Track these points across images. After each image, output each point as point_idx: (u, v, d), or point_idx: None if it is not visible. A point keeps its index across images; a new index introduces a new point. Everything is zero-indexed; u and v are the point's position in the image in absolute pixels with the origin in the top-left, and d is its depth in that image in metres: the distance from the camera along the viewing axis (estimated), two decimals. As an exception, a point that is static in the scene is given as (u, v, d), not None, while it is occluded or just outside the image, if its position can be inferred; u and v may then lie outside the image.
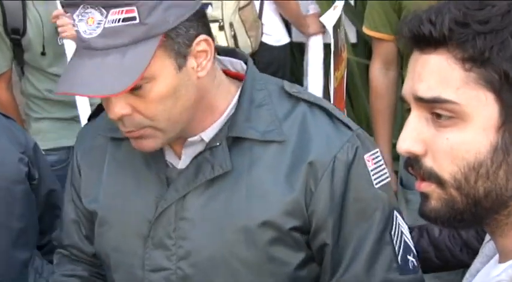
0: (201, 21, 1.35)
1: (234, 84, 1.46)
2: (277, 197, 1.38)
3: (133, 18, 1.26)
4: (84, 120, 2.78)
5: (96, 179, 1.55)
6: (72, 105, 2.84)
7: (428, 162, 0.95)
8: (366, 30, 3.01)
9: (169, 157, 1.48)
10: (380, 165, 1.42)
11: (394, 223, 1.43)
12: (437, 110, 0.93)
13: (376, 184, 1.40)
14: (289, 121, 1.41)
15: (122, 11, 1.25)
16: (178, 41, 1.31)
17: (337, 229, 1.40)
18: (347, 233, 1.41)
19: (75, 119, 2.89)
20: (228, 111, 1.43)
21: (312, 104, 1.43)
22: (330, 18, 3.48)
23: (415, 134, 0.95)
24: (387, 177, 1.44)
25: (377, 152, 1.43)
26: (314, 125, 1.41)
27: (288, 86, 1.46)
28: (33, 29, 2.84)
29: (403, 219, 1.47)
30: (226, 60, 1.51)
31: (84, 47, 1.29)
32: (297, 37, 4.00)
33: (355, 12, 4.00)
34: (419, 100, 0.94)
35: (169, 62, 1.31)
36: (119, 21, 1.26)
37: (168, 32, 1.30)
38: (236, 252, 1.42)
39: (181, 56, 1.32)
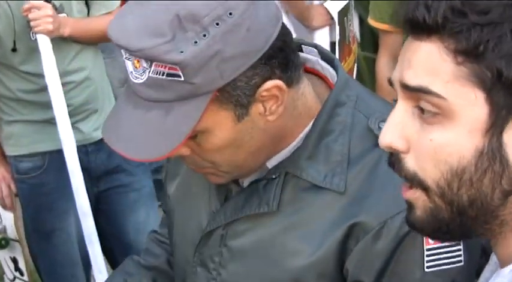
0: (271, 63, 1.22)
1: (320, 101, 1.33)
2: (312, 255, 1.29)
3: (178, 76, 1.16)
4: (60, 123, 2.69)
5: (177, 170, 1.52)
6: (48, 106, 2.71)
7: (410, 163, 0.92)
8: (371, 21, 2.91)
9: None
10: (445, 246, 1.25)
11: None
12: (422, 102, 0.89)
13: (428, 268, 1.25)
14: (359, 166, 1.28)
15: (165, 66, 1.15)
16: (236, 94, 1.21)
17: None
18: None
19: (51, 121, 2.75)
20: (300, 138, 1.32)
21: None
22: (335, 4, 3.28)
23: (399, 128, 0.92)
24: (450, 263, 1.26)
25: None
26: (382, 178, 1.27)
27: (374, 120, 1.31)
28: (2, 23, 2.69)
29: None
30: (317, 62, 1.38)
31: (132, 90, 1.22)
32: (297, 34, 3.80)
33: (362, 3, 3.87)
34: (406, 88, 0.90)
35: (226, 114, 1.22)
36: (162, 75, 1.16)
37: (223, 87, 1.19)
38: None
39: (241, 107, 1.23)
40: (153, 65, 1.16)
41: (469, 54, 0.86)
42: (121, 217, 2.95)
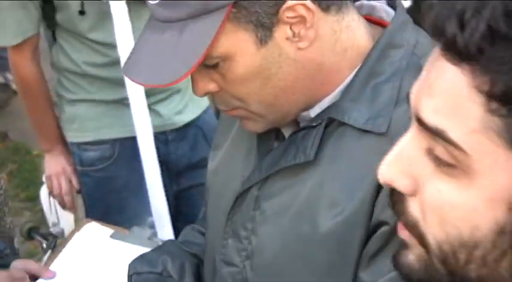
0: None
1: (373, 42, 1.37)
2: (348, 207, 1.31)
3: None
4: (134, 103, 2.60)
5: (221, 141, 1.59)
6: (120, 83, 2.60)
7: (414, 209, 0.85)
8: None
9: (285, 126, 1.44)
10: None
11: None
12: (438, 148, 0.81)
13: None
14: (406, 105, 1.19)
15: None
16: (255, 11, 1.25)
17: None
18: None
19: (123, 101, 2.65)
20: (347, 81, 1.35)
21: None
22: None
23: (407, 165, 0.85)
24: None
25: None
26: None
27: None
28: (68, -20, 2.59)
29: None
30: (381, 9, 1.42)
31: (152, 15, 1.31)
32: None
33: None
34: (421, 124, 0.83)
35: (246, 35, 1.27)
36: None
37: (239, 1, 1.24)
38: (295, 266, 1.37)
39: (264, 27, 1.26)
40: None
41: (507, 102, 0.75)
42: (206, 222, 2.79)
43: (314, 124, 1.35)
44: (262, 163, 1.43)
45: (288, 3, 1.25)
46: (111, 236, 2.01)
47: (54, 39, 2.73)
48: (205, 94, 1.35)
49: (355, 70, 1.34)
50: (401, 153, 0.85)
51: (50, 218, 2.92)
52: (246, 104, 1.34)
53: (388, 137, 1.29)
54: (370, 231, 1.31)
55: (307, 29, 1.27)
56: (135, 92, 2.57)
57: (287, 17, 1.26)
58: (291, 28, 1.27)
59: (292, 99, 1.34)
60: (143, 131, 2.59)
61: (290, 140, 1.39)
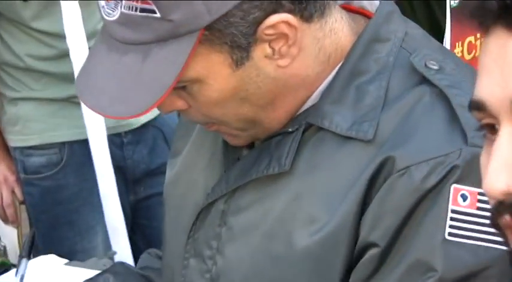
0: None
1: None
2: (328, 223, 1.28)
3: (152, 11, 1.19)
4: None
5: (180, 147, 1.55)
6: (69, 79, 2.46)
7: None
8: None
9: None
10: (475, 215, 1.24)
11: None
12: None
13: (451, 235, 1.22)
14: (395, 108, 1.28)
15: None
16: (230, 32, 1.22)
17: (377, 264, 1.26)
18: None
19: (73, 99, 2.56)
20: (327, 81, 1.32)
21: (440, 92, 1.28)
22: None
23: None
24: (487, 240, 1.23)
25: (483, 194, 1.18)
26: (416, 120, 1.27)
27: (420, 56, 1.31)
28: (8, -37, 2.50)
29: None
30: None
31: (106, 31, 1.27)
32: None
33: None
34: None
35: (220, 58, 1.24)
36: (136, 10, 1.19)
37: (212, 24, 1.21)
38: None
39: (240, 49, 1.23)
40: None
41: None
42: (166, 236, 2.73)
43: (290, 129, 1.31)
44: (229, 173, 1.39)
45: (268, 22, 1.21)
46: (66, 264, 2.01)
47: (-6, 29, 2.62)
48: (172, 111, 1.32)
49: (336, 68, 1.31)
50: (503, 157, 0.84)
51: (-10, 234, 2.88)
52: (223, 123, 1.32)
53: (374, 144, 1.26)
54: (356, 254, 1.27)
55: (290, 46, 1.25)
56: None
57: (266, 35, 1.22)
58: (270, 45, 1.24)
59: (273, 115, 1.32)
60: (95, 132, 2.52)
61: (262, 146, 1.35)
